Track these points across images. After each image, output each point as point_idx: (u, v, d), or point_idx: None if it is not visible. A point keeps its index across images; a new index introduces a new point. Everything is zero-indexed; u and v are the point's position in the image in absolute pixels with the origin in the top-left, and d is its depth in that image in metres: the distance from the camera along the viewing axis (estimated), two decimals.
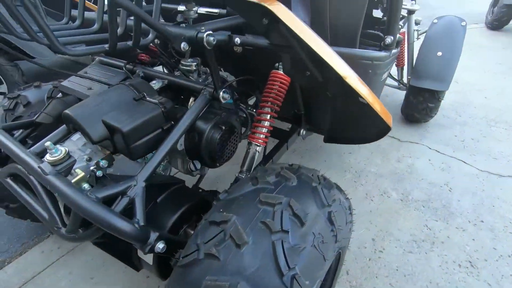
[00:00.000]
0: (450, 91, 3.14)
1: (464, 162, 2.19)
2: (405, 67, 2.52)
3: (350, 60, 1.17)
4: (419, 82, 2.21)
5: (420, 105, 2.33)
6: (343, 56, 1.17)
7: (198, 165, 1.17)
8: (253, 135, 1.23)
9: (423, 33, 2.36)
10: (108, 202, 0.81)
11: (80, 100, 1.14)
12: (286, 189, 0.81)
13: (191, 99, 1.09)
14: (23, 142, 1.22)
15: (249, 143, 1.23)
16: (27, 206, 0.95)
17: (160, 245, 0.79)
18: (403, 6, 2.30)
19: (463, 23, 2.21)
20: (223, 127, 1.10)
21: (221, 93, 1.00)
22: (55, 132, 1.00)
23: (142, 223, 0.80)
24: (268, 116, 1.22)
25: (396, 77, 2.62)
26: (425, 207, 1.84)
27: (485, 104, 2.93)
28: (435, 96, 2.25)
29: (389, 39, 1.17)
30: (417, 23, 2.40)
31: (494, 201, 1.87)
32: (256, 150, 1.24)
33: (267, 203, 0.76)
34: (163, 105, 0.96)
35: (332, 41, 1.18)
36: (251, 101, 1.50)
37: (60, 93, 1.23)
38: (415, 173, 2.10)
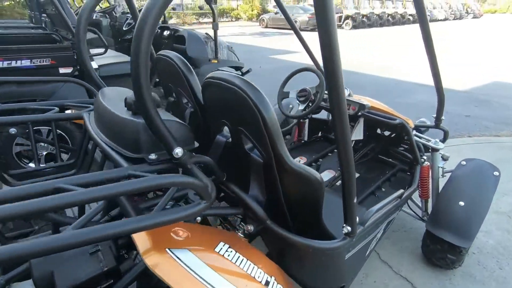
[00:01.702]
0: (497, 228, 2.68)
1: None
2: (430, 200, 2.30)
3: (307, 248, 1.17)
4: (435, 230, 1.96)
5: (438, 253, 2.04)
6: (296, 244, 1.17)
7: None
8: None
9: (449, 172, 2.16)
10: None
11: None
12: None
13: None
14: None
15: None
16: None
17: None
18: (426, 142, 2.19)
19: (496, 173, 1.97)
20: None
21: None
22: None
23: None
24: None
25: (420, 206, 2.39)
26: None
27: None
28: (456, 250, 1.95)
29: (345, 229, 1.13)
30: (444, 159, 2.23)
31: None
32: None
33: None
34: (106, 266, 1.09)
35: (297, 230, 1.21)
36: None
37: None
38: None
